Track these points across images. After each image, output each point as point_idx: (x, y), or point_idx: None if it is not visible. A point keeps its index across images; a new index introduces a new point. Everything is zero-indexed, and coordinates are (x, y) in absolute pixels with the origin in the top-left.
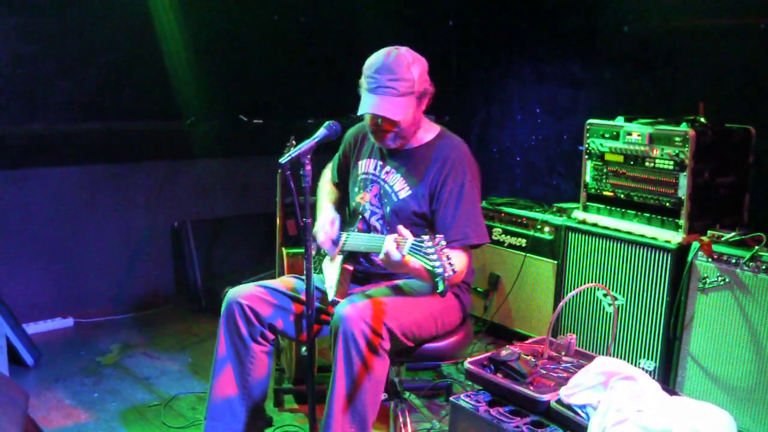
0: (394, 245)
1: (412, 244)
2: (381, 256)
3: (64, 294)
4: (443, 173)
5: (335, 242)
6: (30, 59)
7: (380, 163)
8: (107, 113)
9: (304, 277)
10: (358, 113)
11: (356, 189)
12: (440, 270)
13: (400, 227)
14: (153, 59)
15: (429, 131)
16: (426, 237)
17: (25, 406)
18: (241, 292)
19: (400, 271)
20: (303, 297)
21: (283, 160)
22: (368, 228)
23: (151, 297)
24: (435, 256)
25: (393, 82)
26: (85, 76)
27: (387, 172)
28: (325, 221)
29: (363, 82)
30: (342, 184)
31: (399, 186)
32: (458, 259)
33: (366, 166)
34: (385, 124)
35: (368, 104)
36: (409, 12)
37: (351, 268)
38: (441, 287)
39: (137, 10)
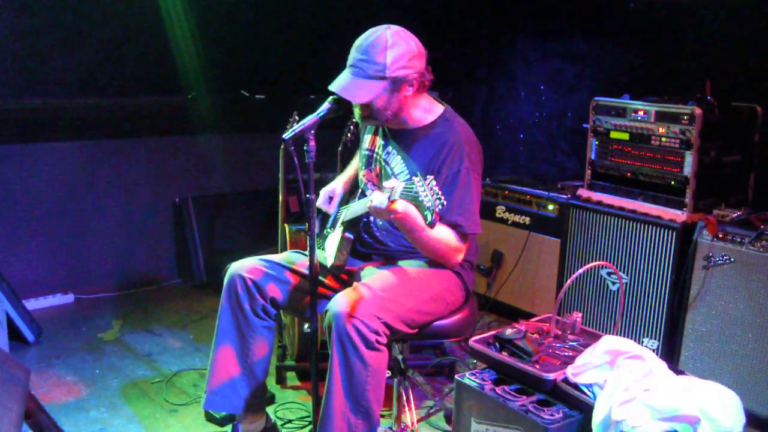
0: (381, 194)
1: (403, 188)
2: (368, 203)
3: (64, 270)
4: (440, 158)
5: (334, 219)
6: (29, 33)
7: (383, 142)
8: (107, 88)
9: (306, 253)
10: (329, 88)
11: (359, 164)
12: (429, 204)
13: (388, 181)
14: (154, 33)
15: (431, 112)
16: (416, 179)
17: (26, 383)
18: (243, 266)
19: (389, 218)
20: (305, 271)
21: (286, 135)
22: None
23: (152, 273)
24: (425, 192)
25: (362, 62)
26: (85, 50)
27: (388, 153)
28: (325, 192)
29: None
30: None
31: (399, 169)
32: (453, 237)
33: (370, 141)
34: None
35: (337, 82)
36: None
37: (351, 237)
38: (429, 219)
39: None
